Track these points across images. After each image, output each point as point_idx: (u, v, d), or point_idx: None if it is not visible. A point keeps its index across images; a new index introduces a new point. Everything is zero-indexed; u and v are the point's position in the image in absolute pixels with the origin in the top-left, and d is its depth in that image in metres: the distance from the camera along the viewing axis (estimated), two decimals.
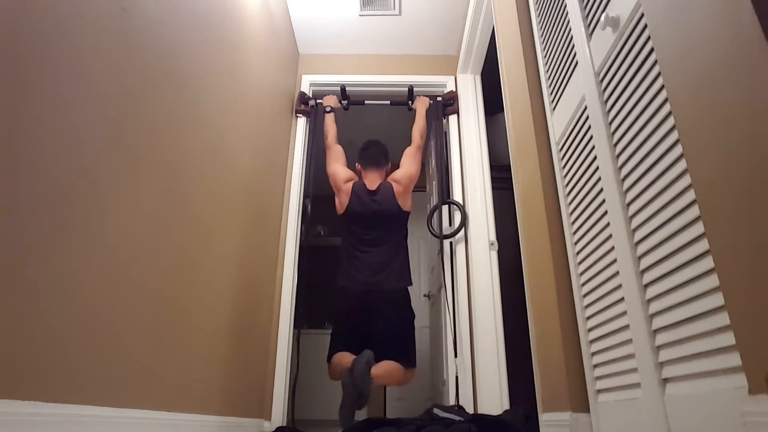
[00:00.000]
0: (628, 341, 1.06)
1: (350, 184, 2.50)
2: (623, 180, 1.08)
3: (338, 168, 2.59)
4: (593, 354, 1.27)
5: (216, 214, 1.70)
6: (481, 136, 2.91)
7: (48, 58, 0.87)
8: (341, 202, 2.50)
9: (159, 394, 1.26)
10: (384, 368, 2.13)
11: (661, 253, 0.92)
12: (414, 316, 2.37)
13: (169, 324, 1.33)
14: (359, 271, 2.34)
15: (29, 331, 0.81)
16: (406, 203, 2.48)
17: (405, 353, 2.24)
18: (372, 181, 2.52)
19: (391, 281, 2.33)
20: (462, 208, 2.75)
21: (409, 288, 2.40)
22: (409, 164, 2.58)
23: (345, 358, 2.16)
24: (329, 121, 2.82)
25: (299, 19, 3.02)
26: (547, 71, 1.58)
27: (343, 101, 3.05)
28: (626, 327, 1.07)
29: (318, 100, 3.07)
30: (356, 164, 2.62)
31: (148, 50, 1.22)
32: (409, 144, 2.69)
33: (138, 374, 1.16)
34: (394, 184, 2.49)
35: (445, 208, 2.90)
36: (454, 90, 3.13)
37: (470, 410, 2.33)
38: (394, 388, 4.18)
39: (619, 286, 1.10)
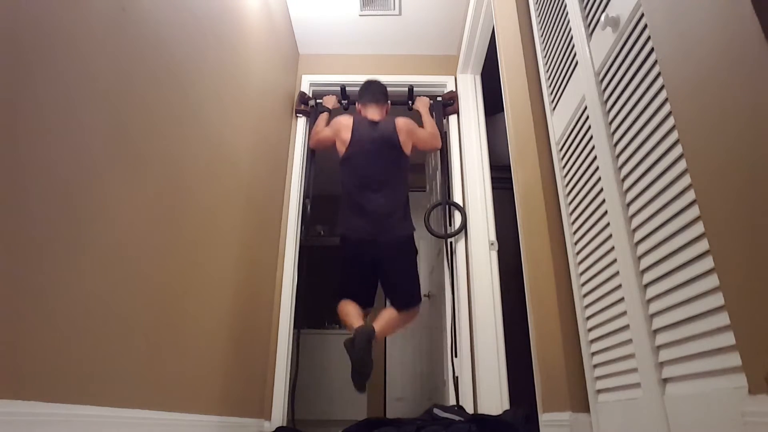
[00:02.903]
0: (628, 341, 1.06)
1: (351, 120, 2.55)
2: (623, 180, 1.08)
3: (333, 123, 2.64)
4: (593, 354, 1.27)
5: (216, 213, 1.70)
6: (481, 136, 2.91)
7: (49, 58, 0.87)
8: (343, 140, 2.51)
9: (159, 394, 1.26)
10: (385, 321, 2.20)
11: (661, 253, 0.92)
12: (417, 252, 2.40)
13: (169, 324, 1.33)
14: (362, 218, 2.32)
15: (29, 331, 0.81)
16: (406, 144, 2.51)
17: (410, 298, 2.30)
18: (373, 114, 2.58)
19: (395, 230, 2.33)
20: (462, 209, 2.75)
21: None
22: (423, 127, 2.65)
23: (351, 315, 2.20)
24: (322, 119, 2.81)
25: (299, 19, 3.02)
26: (547, 71, 1.58)
27: (343, 101, 3.05)
28: (626, 327, 1.07)
29: (318, 100, 3.07)
30: (356, 104, 2.67)
31: (148, 50, 1.22)
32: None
33: (138, 374, 1.16)
34: (396, 122, 2.54)
35: (445, 207, 2.90)
36: (454, 90, 3.13)
37: (470, 410, 2.33)
38: (394, 388, 4.20)
39: (619, 286, 1.10)
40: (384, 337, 2.83)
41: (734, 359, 0.70)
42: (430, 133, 2.69)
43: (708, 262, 0.77)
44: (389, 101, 2.68)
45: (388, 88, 3.16)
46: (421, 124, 2.76)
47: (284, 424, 2.39)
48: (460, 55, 3.05)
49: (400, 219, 2.35)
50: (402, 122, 2.55)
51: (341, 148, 2.51)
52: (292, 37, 3.08)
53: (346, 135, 2.50)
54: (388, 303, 2.36)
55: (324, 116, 2.83)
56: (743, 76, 0.64)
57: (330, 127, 2.64)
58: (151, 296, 1.23)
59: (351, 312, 2.22)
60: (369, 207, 2.32)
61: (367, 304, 2.33)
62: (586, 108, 1.27)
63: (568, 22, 1.37)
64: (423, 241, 4.32)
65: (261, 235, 2.35)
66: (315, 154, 3.06)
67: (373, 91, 2.66)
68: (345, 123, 2.55)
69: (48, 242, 0.85)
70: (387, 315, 2.23)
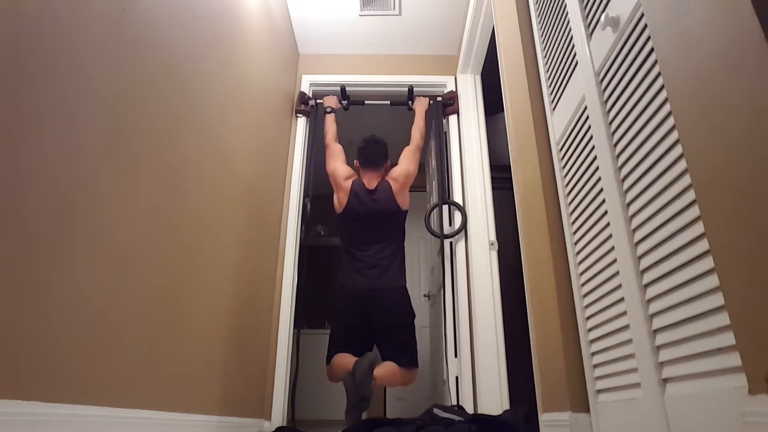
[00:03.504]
0: (628, 341, 1.06)
1: (350, 182, 2.50)
2: (623, 180, 1.08)
3: (338, 165, 2.59)
4: (593, 354, 1.27)
5: (216, 213, 1.70)
6: (481, 136, 2.91)
7: (48, 58, 0.87)
8: (340, 200, 2.49)
9: (159, 394, 1.26)
10: (386, 369, 2.15)
11: (661, 253, 0.92)
12: (414, 315, 2.36)
13: (169, 324, 1.33)
14: (359, 272, 2.34)
15: (29, 331, 0.81)
16: (404, 202, 2.49)
17: (406, 354, 2.25)
18: (370, 180, 2.51)
19: (391, 282, 2.33)
20: (462, 209, 2.75)
21: (408, 286, 2.41)
22: (407, 162, 2.58)
23: (346, 359, 2.15)
24: (329, 121, 2.83)
25: (299, 19, 3.02)
26: (547, 71, 1.58)
27: (343, 101, 3.05)
28: (626, 327, 1.07)
29: (318, 100, 3.07)
30: (354, 161, 2.61)
31: (148, 51, 1.22)
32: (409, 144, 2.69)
33: (138, 374, 1.16)
34: (392, 183, 2.48)
35: (445, 207, 2.90)
36: (454, 90, 3.13)
37: (470, 410, 2.33)
38: (394, 388, 4.19)
39: (619, 286, 1.10)
40: (383, 387, 2.78)
41: (734, 359, 0.70)
42: (415, 149, 2.64)
43: (708, 262, 0.77)
44: (389, 161, 2.60)
45: (388, 89, 3.18)
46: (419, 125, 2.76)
47: (284, 424, 2.39)
48: (460, 55, 3.05)
49: (395, 271, 2.37)
50: (396, 180, 2.47)
51: (338, 207, 2.49)
52: (292, 37, 3.08)
53: (343, 198, 2.47)
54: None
55: (331, 117, 2.84)
56: (743, 76, 0.64)
57: (331, 167, 2.58)
58: (150, 296, 1.23)
59: (345, 357, 2.16)
60: (366, 261, 2.35)
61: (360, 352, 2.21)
62: (586, 108, 1.27)
63: (568, 22, 1.37)
64: (423, 241, 4.33)
65: (261, 235, 2.35)
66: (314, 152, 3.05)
67: (374, 153, 2.56)
68: (344, 184, 2.48)
69: (47, 243, 0.85)
70: (388, 364, 2.18)
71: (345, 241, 2.45)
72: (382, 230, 2.42)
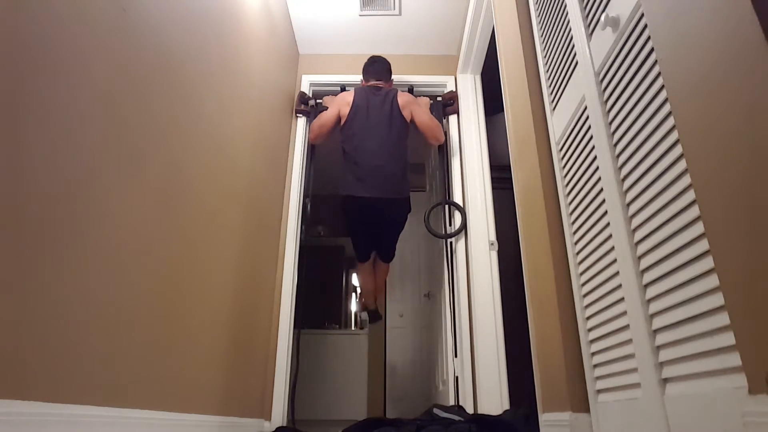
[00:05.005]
0: (628, 341, 1.06)
1: (352, 90, 2.69)
2: (623, 180, 1.08)
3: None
4: (593, 354, 1.27)
5: (216, 213, 1.70)
6: (481, 136, 2.91)
7: (49, 58, 0.87)
8: (347, 101, 2.64)
9: (159, 394, 1.26)
10: (381, 288, 2.91)
11: (661, 253, 0.92)
12: (410, 209, 2.66)
13: (169, 324, 1.33)
14: (362, 182, 2.44)
15: (30, 331, 0.81)
16: (405, 110, 2.64)
17: (392, 253, 2.85)
18: (376, 83, 2.73)
19: (398, 192, 2.51)
20: (462, 209, 2.75)
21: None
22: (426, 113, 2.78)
23: (365, 288, 2.96)
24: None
25: (299, 19, 3.02)
26: (547, 71, 1.58)
27: None
28: (626, 327, 1.07)
29: (318, 100, 3.07)
30: (361, 81, 2.82)
31: (148, 50, 1.22)
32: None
33: (138, 374, 1.16)
34: (398, 90, 2.69)
35: (445, 207, 2.90)
36: (454, 90, 3.13)
37: (470, 410, 2.33)
38: (394, 388, 4.21)
39: (619, 286, 1.10)
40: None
41: (734, 359, 0.70)
42: (430, 119, 2.77)
43: (708, 262, 0.77)
44: (392, 80, 2.83)
45: None
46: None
47: (284, 424, 2.39)
48: (460, 55, 3.05)
49: (400, 180, 2.51)
50: (403, 93, 2.70)
51: (345, 111, 2.61)
52: (292, 37, 3.08)
53: (349, 99, 2.62)
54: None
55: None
56: (743, 76, 0.64)
57: (332, 106, 2.73)
58: (151, 296, 1.23)
59: (367, 288, 2.91)
60: (371, 168, 2.45)
61: (373, 250, 2.80)
62: (586, 108, 1.27)
63: (568, 22, 1.37)
64: (423, 241, 4.33)
65: (261, 235, 2.35)
66: (315, 152, 3.06)
67: (378, 69, 2.79)
68: (347, 93, 2.70)
69: (48, 241, 0.85)
70: (380, 282, 2.95)
71: (348, 150, 2.55)
72: (384, 135, 2.51)
